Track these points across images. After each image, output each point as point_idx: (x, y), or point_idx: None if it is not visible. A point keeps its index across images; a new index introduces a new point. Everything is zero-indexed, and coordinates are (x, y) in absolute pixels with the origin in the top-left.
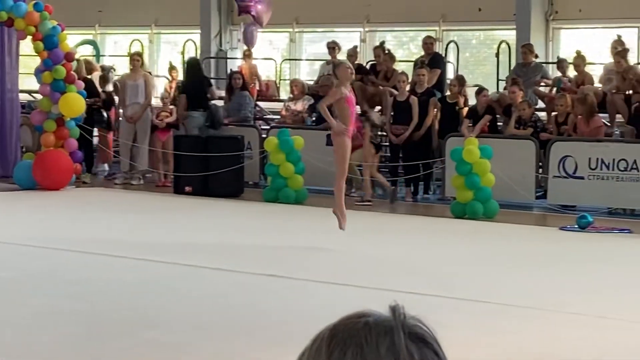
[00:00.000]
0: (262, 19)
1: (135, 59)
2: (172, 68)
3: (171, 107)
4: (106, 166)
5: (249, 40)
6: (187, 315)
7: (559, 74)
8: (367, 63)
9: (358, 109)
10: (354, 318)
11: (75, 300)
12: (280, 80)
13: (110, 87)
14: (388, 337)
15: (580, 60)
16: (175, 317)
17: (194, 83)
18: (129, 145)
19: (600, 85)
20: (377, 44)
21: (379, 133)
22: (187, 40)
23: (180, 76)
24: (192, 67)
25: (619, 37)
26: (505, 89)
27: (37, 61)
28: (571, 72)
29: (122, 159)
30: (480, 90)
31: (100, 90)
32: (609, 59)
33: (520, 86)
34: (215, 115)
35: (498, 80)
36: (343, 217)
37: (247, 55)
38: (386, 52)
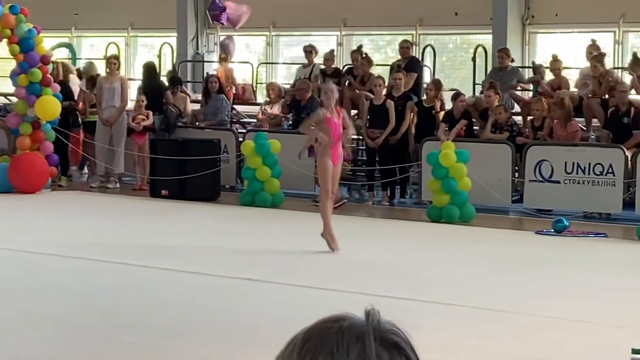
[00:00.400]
0: (239, 20)
1: (112, 62)
2: None
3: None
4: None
5: (226, 51)
6: (165, 318)
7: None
8: (344, 67)
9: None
10: (329, 322)
11: (52, 305)
12: (256, 83)
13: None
14: (359, 343)
15: (557, 64)
16: (153, 321)
17: (150, 87)
18: (105, 148)
19: (575, 90)
20: (354, 47)
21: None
22: (163, 44)
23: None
24: (149, 71)
25: (594, 41)
26: (481, 92)
27: (12, 64)
28: (547, 76)
29: (98, 162)
30: (457, 96)
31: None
32: (584, 63)
33: (497, 90)
34: (169, 119)
35: (474, 84)
36: (332, 240)
37: (223, 59)
38: (363, 55)
